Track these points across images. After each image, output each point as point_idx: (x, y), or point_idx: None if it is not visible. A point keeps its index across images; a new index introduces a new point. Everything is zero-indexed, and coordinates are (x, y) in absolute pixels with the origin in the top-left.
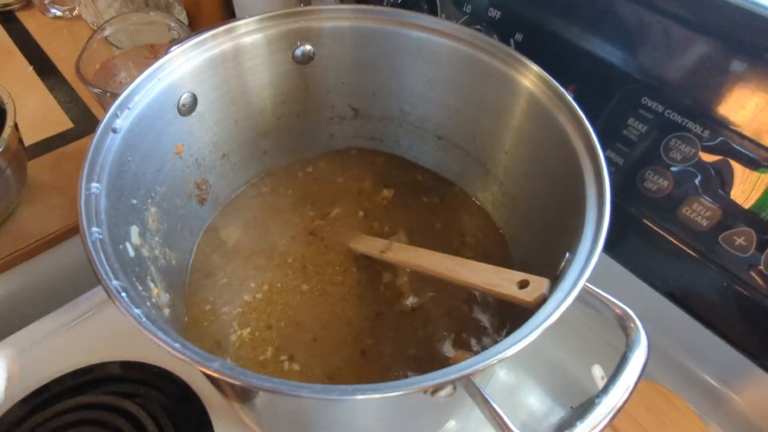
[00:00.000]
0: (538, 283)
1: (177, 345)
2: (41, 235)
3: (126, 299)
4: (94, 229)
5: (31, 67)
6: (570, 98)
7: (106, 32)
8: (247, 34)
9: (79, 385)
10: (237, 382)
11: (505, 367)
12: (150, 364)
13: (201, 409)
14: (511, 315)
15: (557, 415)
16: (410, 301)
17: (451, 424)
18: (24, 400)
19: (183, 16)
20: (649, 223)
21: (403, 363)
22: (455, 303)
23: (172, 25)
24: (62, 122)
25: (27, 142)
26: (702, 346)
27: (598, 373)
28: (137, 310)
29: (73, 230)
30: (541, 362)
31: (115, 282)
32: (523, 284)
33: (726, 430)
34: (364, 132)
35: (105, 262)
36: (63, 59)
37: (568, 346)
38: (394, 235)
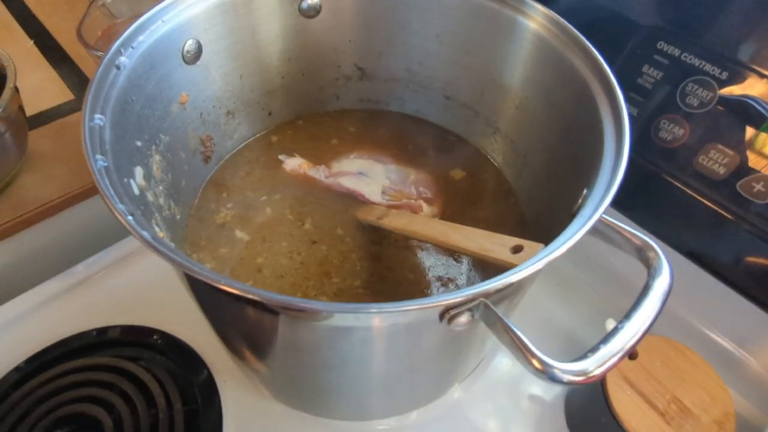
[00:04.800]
0: (532, 249)
1: (187, 263)
2: (42, 203)
3: (133, 221)
4: (99, 156)
5: (31, 42)
6: (578, 33)
7: None
8: None
9: (81, 348)
10: (251, 296)
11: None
12: (153, 328)
13: (206, 373)
14: None
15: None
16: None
17: (455, 393)
18: (24, 364)
19: None
20: (666, 177)
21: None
22: None
23: None
24: (63, 94)
25: (28, 113)
26: (720, 307)
27: (611, 325)
28: (146, 233)
29: (74, 198)
30: (554, 330)
31: (121, 206)
32: (517, 249)
33: (742, 394)
34: (369, 94)
35: (110, 188)
36: (63, 33)
37: (578, 312)
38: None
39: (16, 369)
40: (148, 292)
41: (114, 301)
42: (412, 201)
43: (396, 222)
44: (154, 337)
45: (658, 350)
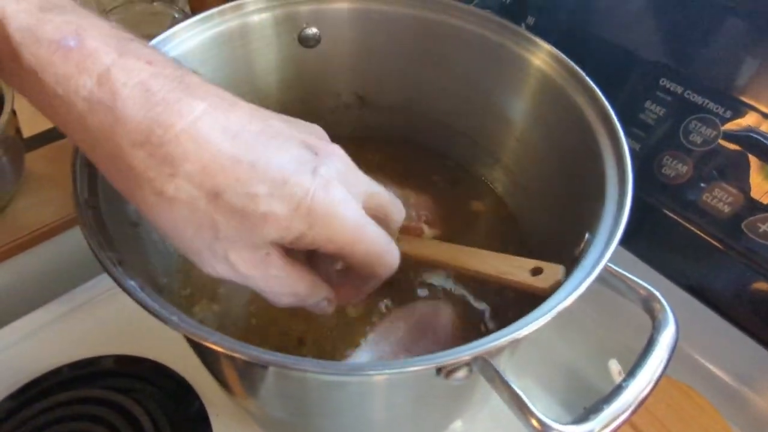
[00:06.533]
0: (553, 270)
1: (174, 318)
2: (37, 227)
3: (120, 270)
4: (88, 197)
5: None
6: (583, 74)
7: (110, 21)
8: (254, 13)
9: (74, 379)
10: (237, 355)
11: (512, 374)
12: (147, 359)
13: (199, 406)
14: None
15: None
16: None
17: (458, 425)
18: (16, 393)
19: (186, 8)
20: (667, 212)
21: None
22: None
23: (176, 15)
24: None
25: (25, 134)
26: (723, 344)
27: (615, 367)
28: (132, 282)
29: (71, 222)
30: (551, 367)
31: (109, 252)
32: (536, 271)
33: None
34: (369, 122)
35: (98, 232)
36: None
37: (580, 350)
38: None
39: (9, 397)
40: (143, 321)
41: (108, 329)
42: (413, 224)
43: (406, 247)
44: (147, 367)
45: (663, 392)
